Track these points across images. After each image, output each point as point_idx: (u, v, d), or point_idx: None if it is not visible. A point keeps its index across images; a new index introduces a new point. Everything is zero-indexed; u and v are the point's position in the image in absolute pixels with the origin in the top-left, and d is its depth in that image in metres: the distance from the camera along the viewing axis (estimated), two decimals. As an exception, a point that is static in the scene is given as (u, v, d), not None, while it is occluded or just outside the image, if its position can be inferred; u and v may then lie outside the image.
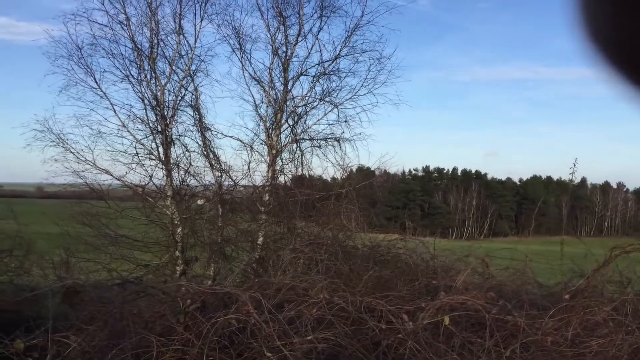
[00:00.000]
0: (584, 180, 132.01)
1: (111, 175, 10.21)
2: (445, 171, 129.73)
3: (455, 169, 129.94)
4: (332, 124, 11.52)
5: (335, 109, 11.45)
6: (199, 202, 11.33)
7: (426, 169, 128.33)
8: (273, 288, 6.65)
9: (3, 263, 9.37)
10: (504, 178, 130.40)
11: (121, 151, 10.20)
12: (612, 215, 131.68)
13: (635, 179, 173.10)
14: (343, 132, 11.45)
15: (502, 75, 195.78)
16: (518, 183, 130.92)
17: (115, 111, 10.15)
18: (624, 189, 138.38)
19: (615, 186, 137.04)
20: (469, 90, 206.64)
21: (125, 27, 10.11)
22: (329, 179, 13.08)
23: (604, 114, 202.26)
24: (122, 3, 10.02)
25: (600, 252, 8.11)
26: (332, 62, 11.30)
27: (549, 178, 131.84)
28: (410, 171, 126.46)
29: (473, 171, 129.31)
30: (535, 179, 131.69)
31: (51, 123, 9.89)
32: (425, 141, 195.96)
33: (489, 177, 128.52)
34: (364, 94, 11.32)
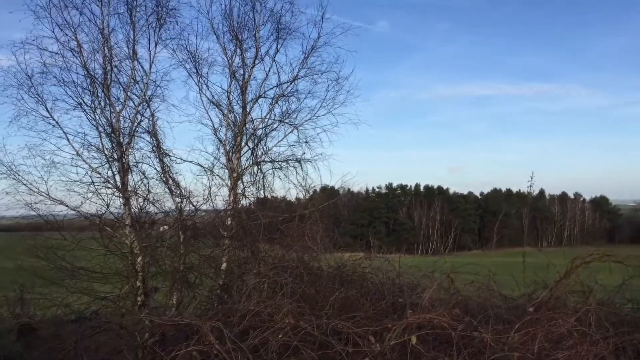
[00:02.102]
0: (542, 191, 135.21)
1: (66, 205, 9.90)
2: (408, 188, 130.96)
3: (418, 185, 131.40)
4: (292, 145, 11.52)
5: (295, 130, 11.45)
6: (162, 228, 11.07)
7: (389, 186, 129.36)
8: (237, 315, 6.50)
9: (-48, 302, 8.96)
10: (466, 192, 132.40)
11: (76, 181, 9.92)
12: (571, 225, 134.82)
13: (591, 188, 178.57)
14: (304, 153, 11.45)
15: (464, 93, 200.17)
16: (479, 197, 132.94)
17: (68, 140, 9.89)
18: (581, 199, 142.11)
19: (572, 196, 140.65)
20: (431, 109, 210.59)
21: (77, 54, 9.90)
22: (292, 200, 13.00)
23: (560, 127, 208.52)
24: (73, 30, 9.82)
25: (561, 262, 8.21)
26: (290, 83, 11.32)
27: (509, 191, 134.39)
28: (373, 189, 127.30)
29: (435, 187, 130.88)
30: (495, 192, 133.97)
31: (1, 154, 9.57)
32: (388, 159, 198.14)
33: (452, 192, 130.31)
34: (323, 114, 11.38)
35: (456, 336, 5.94)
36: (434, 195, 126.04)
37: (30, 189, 9.71)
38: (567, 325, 6.43)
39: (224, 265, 10.19)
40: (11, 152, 9.65)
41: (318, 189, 12.70)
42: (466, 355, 5.76)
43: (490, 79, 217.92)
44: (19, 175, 9.68)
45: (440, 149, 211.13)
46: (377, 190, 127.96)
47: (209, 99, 11.17)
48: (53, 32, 9.69)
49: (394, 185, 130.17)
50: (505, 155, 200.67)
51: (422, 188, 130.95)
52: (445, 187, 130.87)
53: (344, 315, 6.59)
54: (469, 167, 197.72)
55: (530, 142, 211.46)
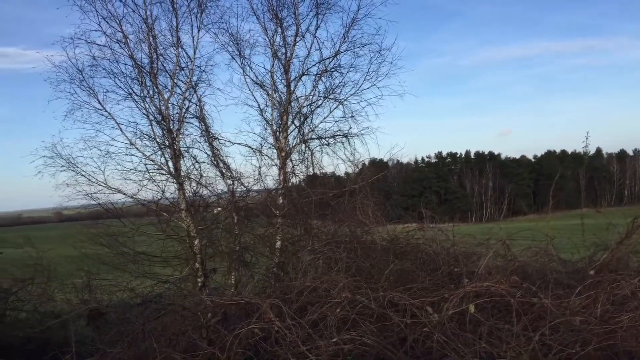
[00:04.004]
0: (599, 150, 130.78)
1: (124, 193, 10.23)
2: (458, 155, 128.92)
3: (468, 152, 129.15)
4: (338, 121, 11.48)
5: (341, 106, 11.40)
6: (216, 210, 11.32)
7: (439, 155, 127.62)
8: (295, 291, 6.61)
9: (26, 292, 9.45)
10: (518, 156, 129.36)
11: (131, 169, 10.22)
12: (632, 183, 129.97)
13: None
14: (350, 127, 11.41)
15: (506, 55, 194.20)
16: (533, 160, 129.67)
17: (121, 130, 10.17)
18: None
19: (632, 153, 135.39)
20: (474, 74, 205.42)
21: (123, 46, 10.11)
22: (342, 176, 13.04)
23: (612, 82, 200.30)
24: (118, 21, 10.02)
25: (622, 222, 7.98)
26: (333, 58, 11.24)
27: (563, 152, 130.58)
28: (423, 159, 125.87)
29: (486, 152, 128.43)
30: (549, 154, 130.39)
31: (59, 148, 9.94)
32: (436, 128, 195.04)
33: (503, 156, 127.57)
34: (367, 88, 11.27)
35: (515, 303, 5.87)
36: (485, 162, 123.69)
37: (89, 180, 10.07)
38: (631, 286, 6.27)
39: (278, 244, 10.35)
40: (69, 145, 10.02)
41: (367, 163, 12.68)
42: (526, 321, 5.70)
43: (533, 38, 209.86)
44: (77, 167, 10.04)
45: (487, 114, 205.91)
46: (426, 159, 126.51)
47: (253, 80, 11.25)
48: (99, 25, 9.92)
49: (444, 153, 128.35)
50: (556, 115, 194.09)
51: (472, 155, 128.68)
52: (496, 153, 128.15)
53: (400, 287, 6.61)
54: (519, 130, 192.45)
55: (580, 100, 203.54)
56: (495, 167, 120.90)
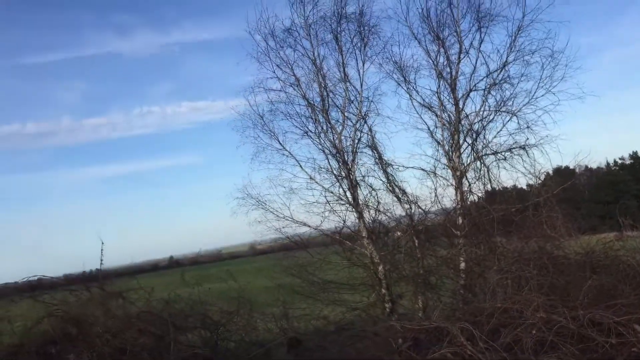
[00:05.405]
0: None
1: (309, 226, 10.91)
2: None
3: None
4: (513, 133, 11.08)
5: (514, 117, 11.01)
6: (396, 235, 11.50)
7: (634, 155, 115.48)
8: (485, 314, 6.44)
9: (233, 323, 10.32)
10: None
11: (313, 202, 10.92)
12: None
13: None
14: (527, 139, 10.94)
15: None
16: None
17: (301, 166, 10.96)
18: None
19: None
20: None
21: (296, 88, 10.95)
22: (523, 188, 12.47)
23: None
24: (290, 66, 10.91)
25: None
26: (501, 70, 10.94)
27: None
28: (615, 161, 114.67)
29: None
30: None
31: (249, 189, 10.94)
32: (627, 126, 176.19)
33: None
34: (542, 95, 10.79)
35: None
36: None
37: (277, 215, 10.91)
38: None
39: (462, 265, 10.16)
40: (257, 185, 11.02)
41: (550, 173, 12.01)
42: None
43: None
44: (266, 204, 10.97)
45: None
46: (619, 162, 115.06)
47: (420, 103, 11.37)
48: (274, 72, 10.93)
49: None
50: None
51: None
52: None
53: (602, 305, 6.12)
54: None
55: None
56: None
